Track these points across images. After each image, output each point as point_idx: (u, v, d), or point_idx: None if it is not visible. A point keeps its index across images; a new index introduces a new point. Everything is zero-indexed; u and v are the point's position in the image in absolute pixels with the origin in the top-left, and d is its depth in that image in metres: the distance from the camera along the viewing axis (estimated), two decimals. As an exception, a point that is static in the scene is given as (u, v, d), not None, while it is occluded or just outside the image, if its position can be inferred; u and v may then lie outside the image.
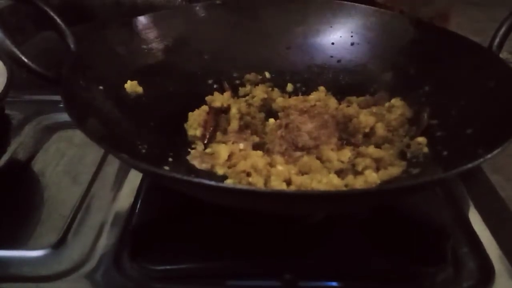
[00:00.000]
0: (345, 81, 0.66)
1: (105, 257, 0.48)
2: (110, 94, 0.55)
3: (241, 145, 0.56)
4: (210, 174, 0.53)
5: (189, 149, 0.57)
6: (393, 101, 0.60)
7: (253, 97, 0.64)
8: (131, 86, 0.58)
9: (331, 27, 0.67)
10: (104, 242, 0.50)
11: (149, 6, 0.73)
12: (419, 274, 0.48)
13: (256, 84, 0.66)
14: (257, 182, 0.51)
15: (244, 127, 0.60)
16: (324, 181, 0.50)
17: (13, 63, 0.51)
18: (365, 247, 0.50)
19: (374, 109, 0.60)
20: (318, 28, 0.67)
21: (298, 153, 0.55)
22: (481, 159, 0.41)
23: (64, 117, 0.50)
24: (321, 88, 0.65)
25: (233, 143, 0.57)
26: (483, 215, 0.54)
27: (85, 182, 0.58)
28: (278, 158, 0.53)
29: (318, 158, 0.54)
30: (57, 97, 0.49)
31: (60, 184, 0.58)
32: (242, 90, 0.66)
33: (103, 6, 0.75)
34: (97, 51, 0.57)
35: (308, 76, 0.67)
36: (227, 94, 0.63)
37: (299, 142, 0.56)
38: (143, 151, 0.53)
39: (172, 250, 0.49)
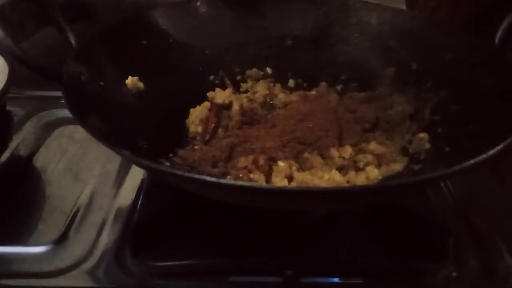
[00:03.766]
0: (346, 76, 0.65)
1: (107, 254, 0.48)
2: (111, 90, 0.55)
3: (243, 141, 0.56)
4: (211, 170, 0.53)
5: (190, 145, 0.57)
6: (394, 97, 0.60)
7: (254, 93, 0.64)
8: (132, 82, 0.57)
9: (332, 22, 0.67)
10: (105, 239, 0.50)
11: (150, 2, 0.73)
12: (420, 271, 0.48)
13: (257, 79, 0.66)
14: (259, 178, 0.51)
15: (245, 123, 0.60)
16: (326, 177, 0.50)
17: (14, 60, 0.51)
18: (366, 244, 0.50)
19: (375, 105, 0.60)
20: (319, 24, 0.67)
21: (299, 148, 0.55)
22: (484, 156, 0.41)
23: (66, 113, 0.50)
24: (323, 83, 0.65)
25: (234, 139, 0.56)
26: (485, 211, 0.54)
27: (87, 178, 0.58)
28: (280, 154, 0.53)
29: (320, 154, 0.54)
30: (58, 93, 0.49)
31: (62, 180, 0.58)
32: (243, 86, 0.66)
33: (105, 2, 0.74)
34: (98, 47, 0.57)
35: (310, 71, 0.66)
36: (229, 90, 0.63)
37: (300, 138, 0.55)
38: (145, 147, 0.53)
39: (174, 247, 0.49)
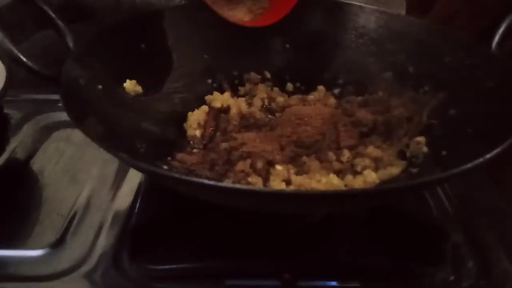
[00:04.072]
0: (344, 80, 0.65)
1: (104, 257, 0.48)
2: (109, 93, 0.55)
3: (241, 145, 0.56)
4: (209, 174, 0.53)
5: (188, 149, 0.57)
6: (392, 100, 0.60)
7: (253, 96, 0.64)
8: (130, 85, 0.57)
9: (330, 26, 0.67)
10: (103, 242, 0.50)
11: (148, 5, 0.73)
12: (418, 273, 0.48)
13: (256, 83, 0.66)
14: (256, 182, 0.51)
15: (243, 126, 0.60)
16: (324, 181, 0.50)
17: (11, 62, 0.51)
18: (364, 247, 0.50)
19: (373, 108, 0.60)
20: (317, 28, 0.67)
21: (297, 152, 0.55)
22: (481, 159, 0.41)
23: (63, 116, 0.50)
24: (321, 87, 0.65)
25: (232, 142, 0.56)
26: (483, 214, 0.54)
27: (84, 181, 0.58)
28: (277, 158, 0.53)
29: (317, 158, 0.54)
30: (56, 96, 0.48)
31: (59, 183, 0.58)
32: (242, 90, 0.66)
33: (103, 4, 0.74)
34: (96, 50, 0.57)
35: (308, 75, 0.67)
36: (227, 93, 0.63)
37: (298, 141, 0.55)
38: (142, 150, 0.53)
39: (171, 250, 0.49)
